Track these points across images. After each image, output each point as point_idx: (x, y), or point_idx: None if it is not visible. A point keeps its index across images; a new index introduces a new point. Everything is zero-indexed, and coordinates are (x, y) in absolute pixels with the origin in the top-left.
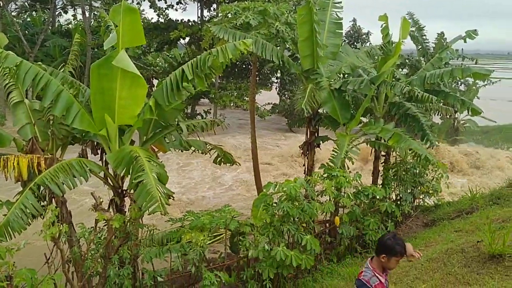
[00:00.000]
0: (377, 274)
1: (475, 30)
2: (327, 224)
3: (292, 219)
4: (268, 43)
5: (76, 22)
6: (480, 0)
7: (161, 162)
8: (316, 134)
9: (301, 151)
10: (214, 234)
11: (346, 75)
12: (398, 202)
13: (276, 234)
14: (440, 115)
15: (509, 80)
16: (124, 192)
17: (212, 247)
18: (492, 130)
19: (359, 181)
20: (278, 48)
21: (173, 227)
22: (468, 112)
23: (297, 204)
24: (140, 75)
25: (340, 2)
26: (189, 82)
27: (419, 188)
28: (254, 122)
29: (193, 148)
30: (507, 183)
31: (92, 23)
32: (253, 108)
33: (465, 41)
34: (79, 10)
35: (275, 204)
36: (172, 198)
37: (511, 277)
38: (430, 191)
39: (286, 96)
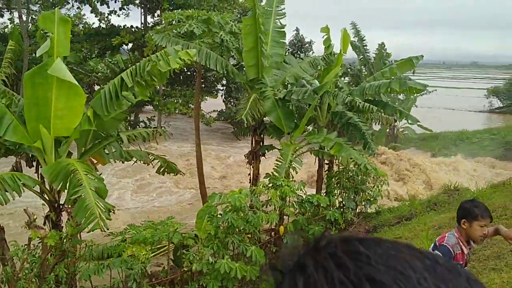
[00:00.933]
0: (461, 243)
1: (422, 56)
2: (273, 233)
3: (237, 230)
4: (212, 52)
5: (12, 26)
6: (414, 11)
7: (100, 174)
8: (261, 143)
9: (247, 160)
10: (158, 246)
11: (290, 85)
12: (342, 210)
13: (220, 246)
14: (380, 123)
15: (444, 88)
16: (61, 206)
17: (156, 260)
18: (429, 137)
19: (304, 190)
20: (223, 57)
21: (115, 241)
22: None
23: (242, 215)
24: (77, 84)
25: (283, 9)
26: (129, 91)
27: (361, 195)
28: (198, 130)
29: (134, 159)
30: (443, 190)
31: (30, 27)
32: (197, 116)
33: (413, 66)
34: (16, 14)
35: (220, 216)
36: (113, 211)
37: None
38: (371, 198)
39: (232, 103)
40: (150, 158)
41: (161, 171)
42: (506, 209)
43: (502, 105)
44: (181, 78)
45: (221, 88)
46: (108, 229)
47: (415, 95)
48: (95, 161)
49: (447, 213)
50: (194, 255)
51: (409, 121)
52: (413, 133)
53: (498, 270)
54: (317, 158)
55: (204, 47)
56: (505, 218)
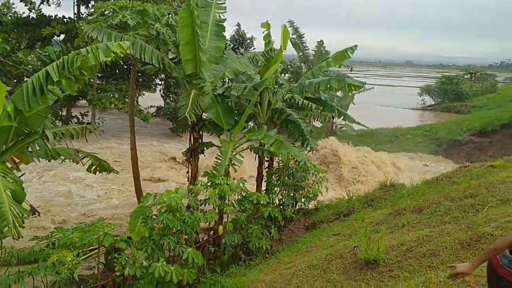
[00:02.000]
0: None
1: (356, 46)
2: (211, 233)
3: (172, 231)
4: (148, 45)
5: None
6: (346, 10)
7: (20, 177)
8: (200, 140)
9: (185, 157)
10: (90, 248)
11: (229, 81)
12: (281, 207)
13: (155, 248)
14: (319, 120)
15: (380, 86)
16: None
17: (88, 263)
18: (365, 134)
19: (244, 188)
20: (160, 50)
21: (42, 244)
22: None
23: (178, 215)
24: None
25: (224, 3)
26: (56, 85)
27: (300, 192)
28: (133, 127)
29: (62, 157)
30: (379, 186)
31: None
32: (132, 112)
33: (348, 57)
34: None
35: (155, 217)
36: (36, 214)
37: (386, 282)
38: (311, 195)
39: (171, 98)
40: (80, 156)
41: (92, 169)
42: (440, 205)
43: (434, 103)
44: (117, 71)
45: (160, 82)
46: (22, 237)
47: (353, 92)
48: (17, 160)
49: (384, 209)
50: (126, 258)
51: (347, 121)
52: (351, 130)
53: (435, 267)
54: (257, 155)
55: (139, 39)
56: (439, 214)
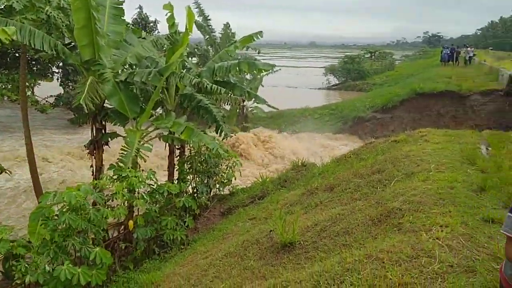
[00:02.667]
0: None
1: (261, 32)
2: (122, 229)
3: (77, 231)
4: (38, 30)
5: None
6: None
7: None
8: (103, 131)
9: (87, 150)
10: None
11: (132, 66)
12: (195, 195)
13: (58, 251)
14: (229, 104)
15: (287, 67)
16: None
17: None
18: (275, 115)
19: (154, 179)
20: (52, 35)
21: None
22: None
23: (82, 214)
24: None
25: None
26: None
27: (214, 179)
28: (27, 120)
29: None
30: (292, 166)
31: None
32: (25, 103)
33: (253, 40)
34: None
35: (56, 217)
36: None
37: (302, 265)
38: (225, 180)
39: (71, 87)
40: None
41: None
42: (350, 182)
43: (338, 82)
44: (8, 60)
45: (57, 70)
46: None
47: (261, 74)
48: None
49: (297, 189)
50: (26, 265)
51: (258, 102)
52: (262, 112)
53: (349, 246)
54: (167, 144)
55: (27, 24)
56: (349, 192)
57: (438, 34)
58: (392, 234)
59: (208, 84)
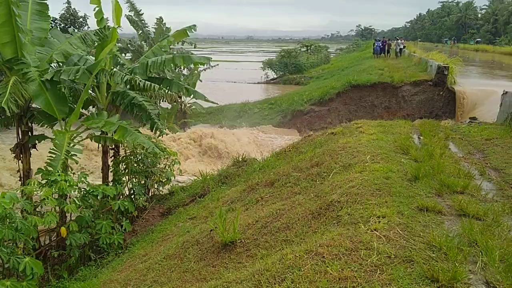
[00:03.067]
0: None
1: (195, 25)
2: (55, 235)
3: (4, 242)
4: None
5: None
6: None
7: None
8: (30, 133)
9: (13, 154)
10: None
11: (59, 64)
12: (132, 197)
13: None
14: (165, 101)
15: (225, 62)
16: None
17: None
18: (215, 111)
19: (86, 182)
20: None
21: None
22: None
23: (8, 222)
24: None
25: None
26: None
27: (152, 178)
28: None
29: None
30: (232, 162)
31: None
32: None
33: (187, 34)
34: None
35: None
36: None
37: (244, 264)
38: (164, 180)
39: None
40: None
41: None
42: (289, 176)
43: (276, 76)
44: None
45: None
46: None
47: (198, 70)
48: None
49: (238, 186)
50: None
51: (196, 97)
52: (201, 108)
53: (289, 241)
54: (100, 144)
55: None
56: (289, 186)
57: (370, 27)
58: (332, 227)
59: (140, 81)
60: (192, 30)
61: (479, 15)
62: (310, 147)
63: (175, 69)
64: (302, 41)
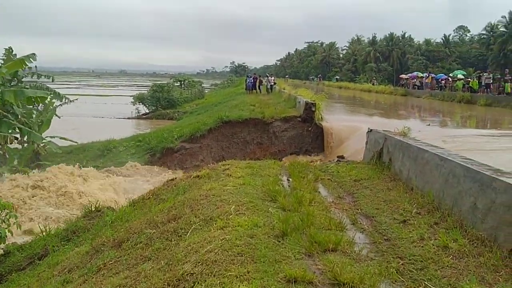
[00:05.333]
0: None
1: (34, 54)
2: None
3: None
4: None
5: None
6: (51, 18)
7: None
8: None
9: None
10: None
11: None
12: None
13: None
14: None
15: (94, 96)
16: None
17: None
18: (75, 150)
19: None
20: None
21: None
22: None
23: None
24: None
25: None
26: None
27: None
28: None
29: None
30: (83, 212)
31: None
32: None
33: (25, 65)
34: None
35: None
36: None
37: None
38: None
39: None
40: None
41: None
42: (142, 235)
43: (148, 111)
44: None
45: None
46: None
47: (54, 105)
48: None
49: (84, 245)
50: None
51: (32, 139)
52: (57, 148)
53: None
54: None
55: None
56: (140, 247)
57: (244, 64)
58: None
59: None
60: (31, 59)
61: (341, 55)
62: (172, 194)
63: (4, 105)
64: (176, 76)
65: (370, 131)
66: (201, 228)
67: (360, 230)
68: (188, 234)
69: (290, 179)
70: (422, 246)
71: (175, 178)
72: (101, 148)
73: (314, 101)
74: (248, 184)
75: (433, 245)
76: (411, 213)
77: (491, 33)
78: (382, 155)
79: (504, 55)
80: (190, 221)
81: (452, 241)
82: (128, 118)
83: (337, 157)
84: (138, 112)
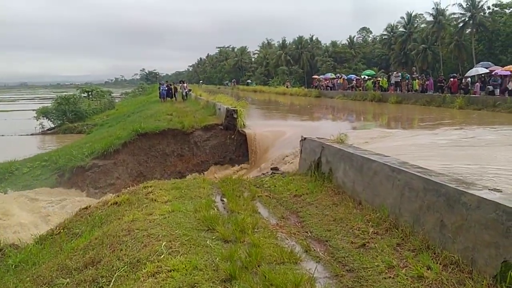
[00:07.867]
0: None
1: None
2: None
3: None
4: None
5: None
6: None
7: None
8: None
9: None
10: None
11: None
12: None
13: None
14: None
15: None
16: None
17: None
18: None
19: None
20: None
21: None
22: None
23: None
24: None
25: None
26: None
27: None
28: None
29: None
30: None
31: None
32: None
33: None
34: None
35: None
36: None
37: None
38: None
39: None
40: None
41: None
42: (53, 286)
43: (54, 126)
44: None
45: None
46: None
47: None
48: None
49: None
50: None
51: None
52: None
53: None
54: None
55: None
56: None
57: (155, 71)
58: None
59: None
60: None
61: (253, 59)
62: (86, 226)
63: None
64: (83, 86)
65: (304, 139)
66: (127, 275)
67: (316, 260)
68: (111, 284)
69: (225, 199)
70: (393, 277)
71: (89, 206)
72: (1, 171)
73: (235, 107)
74: (178, 211)
75: (405, 275)
76: (368, 233)
77: (392, 33)
78: (321, 165)
79: (405, 54)
80: (112, 266)
81: (426, 268)
82: (32, 135)
83: (271, 169)
84: (43, 127)
